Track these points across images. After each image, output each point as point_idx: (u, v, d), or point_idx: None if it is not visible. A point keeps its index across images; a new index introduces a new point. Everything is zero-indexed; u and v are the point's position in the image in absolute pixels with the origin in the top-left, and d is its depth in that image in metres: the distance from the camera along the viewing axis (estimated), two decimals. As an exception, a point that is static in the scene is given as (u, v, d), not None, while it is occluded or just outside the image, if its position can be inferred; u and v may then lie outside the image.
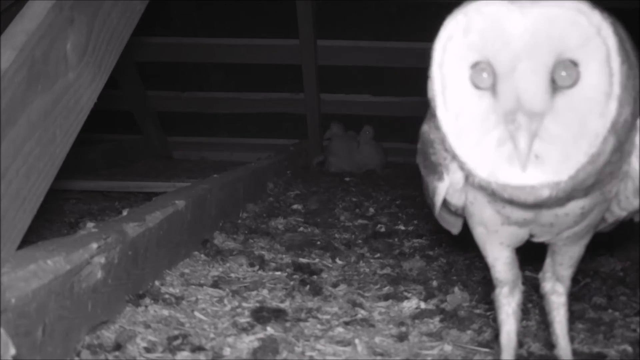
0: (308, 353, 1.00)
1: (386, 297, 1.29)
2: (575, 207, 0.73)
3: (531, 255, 0.88)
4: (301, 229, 1.86)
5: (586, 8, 0.65)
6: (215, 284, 1.30)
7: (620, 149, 0.68)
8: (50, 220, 1.81)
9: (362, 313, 1.20)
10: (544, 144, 0.65)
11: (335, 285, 1.36)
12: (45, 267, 0.86)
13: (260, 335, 1.05)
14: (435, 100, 0.69)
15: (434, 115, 0.75)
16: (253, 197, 2.11)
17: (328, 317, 1.17)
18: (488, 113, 0.67)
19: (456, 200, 0.79)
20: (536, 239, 0.81)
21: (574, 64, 0.65)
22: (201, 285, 1.29)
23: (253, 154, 2.95)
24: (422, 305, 1.24)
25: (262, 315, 1.14)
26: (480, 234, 0.81)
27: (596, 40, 0.64)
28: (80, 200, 2.21)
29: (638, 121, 0.69)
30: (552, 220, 0.75)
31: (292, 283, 1.36)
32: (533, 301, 1.19)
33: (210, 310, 1.17)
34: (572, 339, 0.89)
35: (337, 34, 3.05)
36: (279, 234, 1.78)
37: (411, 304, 1.24)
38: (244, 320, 1.12)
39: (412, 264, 1.50)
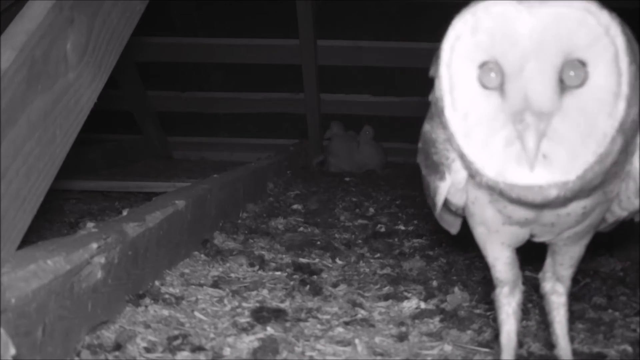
0: (308, 353, 1.00)
1: (386, 297, 1.29)
2: (577, 207, 0.73)
3: (531, 255, 0.88)
4: (301, 229, 1.86)
5: (594, 8, 0.65)
6: (215, 284, 1.30)
7: (626, 150, 0.68)
8: (50, 220, 1.81)
9: (362, 313, 1.20)
10: (552, 144, 0.65)
11: (335, 285, 1.36)
12: (45, 267, 0.86)
13: (260, 335, 1.05)
14: (443, 100, 0.69)
15: (435, 115, 0.75)
16: (253, 197, 2.11)
17: (328, 317, 1.17)
18: (496, 113, 0.67)
19: (457, 200, 0.79)
20: (537, 239, 0.81)
21: (582, 63, 0.65)
22: (201, 285, 1.29)
23: (253, 154, 2.95)
24: (422, 305, 1.24)
25: (262, 315, 1.14)
26: (481, 233, 0.81)
27: (604, 40, 0.64)
28: (80, 200, 2.21)
29: None
30: (553, 220, 0.75)
31: (292, 283, 1.36)
32: (533, 301, 1.19)
33: (210, 310, 1.17)
34: (572, 339, 0.89)
35: (337, 34, 3.05)
36: (279, 234, 1.78)
37: (411, 304, 1.24)
38: (244, 320, 1.12)
39: (412, 264, 1.50)
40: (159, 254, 1.28)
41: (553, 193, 0.66)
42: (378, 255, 1.61)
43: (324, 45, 3.03)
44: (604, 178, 0.68)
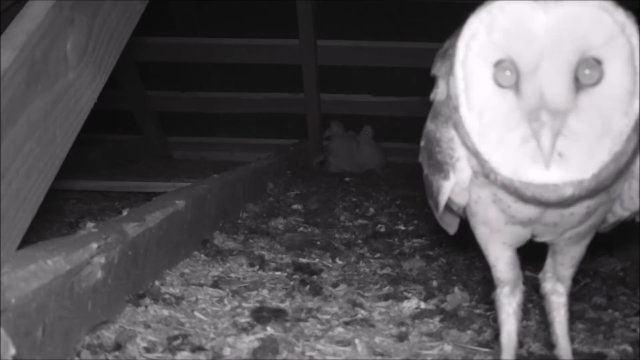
0: (308, 353, 1.00)
1: (386, 297, 1.29)
2: (581, 206, 0.73)
3: (532, 256, 0.88)
4: (301, 229, 1.86)
5: (610, 6, 0.65)
6: (215, 284, 1.30)
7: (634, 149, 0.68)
8: (50, 220, 1.81)
9: (362, 313, 1.20)
10: (568, 142, 0.65)
11: (335, 285, 1.36)
12: (45, 267, 0.86)
13: (260, 335, 1.05)
14: (457, 98, 0.69)
15: (440, 114, 0.75)
16: (253, 197, 2.11)
17: (328, 317, 1.17)
18: (511, 111, 0.67)
19: (460, 200, 0.79)
20: (539, 239, 0.81)
21: (598, 62, 0.65)
22: (201, 285, 1.29)
23: (253, 154, 2.95)
24: (422, 305, 1.24)
25: (262, 315, 1.14)
26: (482, 233, 0.81)
27: (620, 38, 0.65)
28: (80, 200, 2.21)
29: None
30: (556, 219, 0.75)
31: (292, 283, 1.36)
32: (533, 301, 1.19)
33: (210, 310, 1.17)
34: (572, 339, 0.89)
35: (337, 34, 3.05)
36: (279, 234, 1.78)
37: (411, 304, 1.24)
38: (244, 320, 1.12)
39: (412, 264, 1.50)
40: (159, 254, 1.28)
41: (568, 191, 0.66)
42: (378, 255, 1.61)
43: (324, 45, 3.03)
44: (616, 177, 0.68)
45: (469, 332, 1.10)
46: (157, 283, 1.25)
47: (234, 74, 3.28)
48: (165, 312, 1.12)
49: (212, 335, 1.05)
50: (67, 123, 1.06)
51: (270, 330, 1.08)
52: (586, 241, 0.81)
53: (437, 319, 1.17)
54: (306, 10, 2.85)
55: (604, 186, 0.68)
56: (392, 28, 3.04)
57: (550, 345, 0.88)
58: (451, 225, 0.95)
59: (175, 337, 1.02)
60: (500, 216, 0.77)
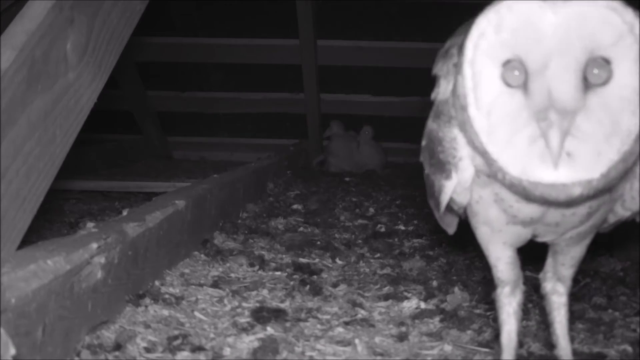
0: (308, 353, 1.00)
1: (386, 297, 1.29)
2: (583, 206, 0.73)
3: (532, 256, 0.88)
4: (301, 229, 1.86)
5: (619, 6, 0.65)
6: (215, 284, 1.30)
7: None
8: (50, 220, 1.81)
9: (362, 313, 1.20)
10: (576, 142, 0.65)
11: (335, 285, 1.36)
12: (45, 267, 0.86)
13: (260, 335, 1.05)
14: (466, 98, 0.69)
15: (443, 113, 0.75)
16: (253, 197, 2.11)
17: (328, 317, 1.17)
18: (519, 111, 0.67)
19: (462, 199, 0.79)
20: (540, 239, 0.81)
21: (607, 61, 0.65)
22: (201, 285, 1.29)
23: (253, 154, 2.95)
24: (422, 305, 1.24)
25: (262, 315, 1.14)
26: (483, 233, 0.81)
27: (629, 38, 0.64)
28: (80, 200, 2.21)
29: None
30: (558, 219, 0.75)
31: (292, 283, 1.36)
32: (533, 301, 1.19)
33: (210, 310, 1.17)
34: (572, 339, 0.89)
35: (337, 34, 3.05)
36: (279, 234, 1.78)
37: (411, 304, 1.24)
38: (244, 320, 1.12)
39: (412, 264, 1.50)
40: (159, 254, 1.28)
41: (577, 191, 0.66)
42: (378, 255, 1.61)
43: (324, 45, 3.03)
44: (623, 177, 0.68)
45: (469, 332, 1.10)
46: (157, 283, 1.25)
47: (234, 74, 3.28)
48: (165, 312, 1.12)
49: (212, 335, 1.05)
50: (67, 123, 1.06)
51: (270, 330, 1.08)
52: (587, 241, 0.81)
53: (437, 319, 1.17)
54: (306, 10, 2.84)
55: (611, 186, 0.68)
56: (392, 28, 3.04)
57: (550, 345, 0.88)
58: (450, 225, 0.95)
59: (175, 337, 1.02)
60: (502, 216, 0.77)
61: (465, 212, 0.84)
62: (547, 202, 0.70)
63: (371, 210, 2.16)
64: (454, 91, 0.72)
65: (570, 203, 0.70)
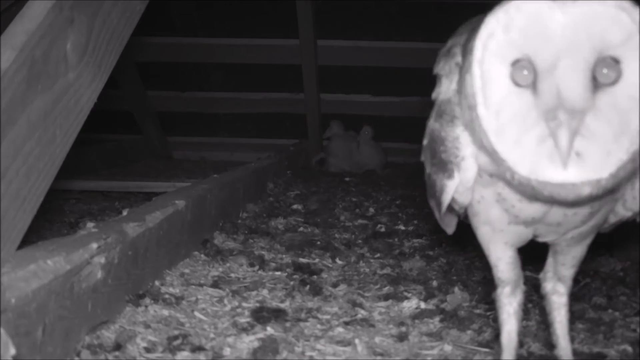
0: (308, 353, 1.00)
1: (386, 297, 1.29)
2: (585, 206, 0.73)
3: (532, 256, 0.88)
4: (301, 229, 1.86)
5: (628, 5, 0.65)
6: (215, 284, 1.30)
7: None
8: (50, 220, 1.81)
9: (362, 313, 1.20)
10: (585, 142, 0.65)
11: (335, 285, 1.36)
12: (45, 267, 0.86)
13: (260, 335, 1.05)
14: (475, 97, 0.69)
15: (444, 113, 0.75)
16: (253, 197, 2.11)
17: (328, 317, 1.17)
18: (528, 110, 0.67)
19: (463, 199, 0.79)
20: (541, 239, 0.81)
21: (616, 61, 0.65)
22: (201, 285, 1.29)
23: (253, 154, 2.95)
24: (422, 305, 1.24)
25: (262, 315, 1.14)
26: (485, 233, 0.81)
27: (638, 37, 0.64)
28: (80, 200, 2.21)
29: None
30: (560, 219, 0.75)
31: (292, 283, 1.36)
32: (533, 301, 1.19)
33: (210, 310, 1.17)
34: (572, 339, 0.89)
35: (337, 34, 3.05)
36: (279, 234, 1.78)
37: (411, 304, 1.24)
38: (244, 320, 1.12)
39: (412, 264, 1.50)
40: (159, 254, 1.28)
41: (586, 191, 0.66)
42: (378, 255, 1.61)
43: (324, 45, 3.03)
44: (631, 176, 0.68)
45: (469, 332, 1.10)
46: (157, 283, 1.25)
47: (234, 74, 3.28)
48: (165, 312, 1.12)
49: (212, 335, 1.05)
50: (67, 123, 1.06)
51: (270, 330, 1.08)
52: (588, 241, 0.81)
53: (437, 319, 1.17)
54: (306, 10, 2.84)
55: (620, 186, 0.68)
56: (392, 28, 3.04)
57: (550, 345, 0.88)
58: (449, 225, 0.95)
59: (175, 337, 1.02)
60: (504, 216, 0.77)
61: (465, 213, 0.84)
62: (555, 202, 0.70)
63: (371, 210, 2.16)
64: (461, 90, 0.72)
65: (579, 203, 0.70)
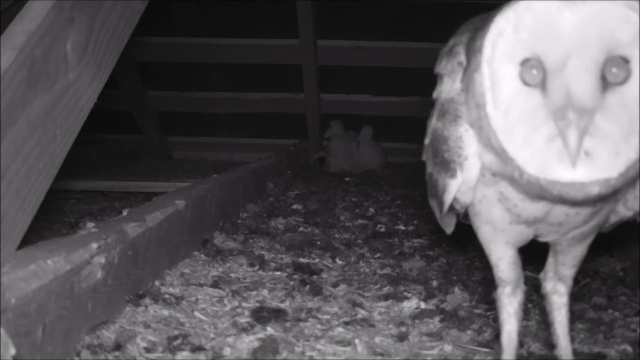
0: (308, 353, 1.00)
1: (386, 297, 1.29)
2: (587, 206, 0.73)
3: (532, 255, 0.88)
4: (301, 229, 1.86)
5: (637, 4, 0.65)
6: (215, 284, 1.30)
7: None
8: (50, 220, 1.81)
9: (362, 313, 1.20)
10: (594, 141, 0.65)
11: (335, 285, 1.36)
12: (45, 267, 0.86)
13: (260, 335, 1.05)
14: (484, 96, 0.68)
15: (447, 112, 0.75)
16: (253, 197, 2.11)
17: (328, 317, 1.17)
18: (537, 110, 0.67)
19: (465, 198, 0.79)
20: (542, 239, 0.81)
21: (625, 60, 0.65)
22: (201, 285, 1.29)
23: (253, 154, 2.95)
24: (422, 305, 1.24)
25: (262, 315, 1.14)
26: (486, 232, 0.81)
27: None
28: (80, 200, 2.21)
29: None
30: (562, 219, 0.75)
31: (292, 283, 1.36)
32: (533, 301, 1.19)
33: (210, 310, 1.17)
34: (572, 339, 0.89)
35: (337, 34, 3.05)
36: (279, 234, 1.78)
37: (411, 304, 1.24)
38: (244, 320, 1.12)
39: (412, 264, 1.50)
40: (159, 254, 1.28)
41: (595, 190, 0.66)
42: (378, 255, 1.61)
43: (324, 45, 3.03)
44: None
45: (469, 332, 1.10)
46: (157, 283, 1.25)
47: (234, 74, 3.28)
48: (165, 312, 1.12)
49: (212, 335, 1.05)
50: (67, 123, 1.06)
51: (270, 330, 1.08)
52: (589, 241, 0.81)
53: (437, 319, 1.17)
54: (306, 10, 2.85)
55: (628, 185, 0.68)
56: (392, 28, 3.04)
57: (550, 345, 0.88)
58: (449, 225, 0.95)
59: (175, 337, 1.02)
60: (505, 215, 0.77)
61: (464, 212, 0.84)
62: (564, 201, 0.70)
63: (371, 210, 2.16)
64: (466, 89, 0.72)
65: (588, 202, 0.69)
